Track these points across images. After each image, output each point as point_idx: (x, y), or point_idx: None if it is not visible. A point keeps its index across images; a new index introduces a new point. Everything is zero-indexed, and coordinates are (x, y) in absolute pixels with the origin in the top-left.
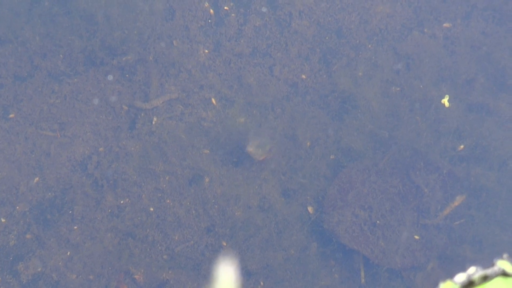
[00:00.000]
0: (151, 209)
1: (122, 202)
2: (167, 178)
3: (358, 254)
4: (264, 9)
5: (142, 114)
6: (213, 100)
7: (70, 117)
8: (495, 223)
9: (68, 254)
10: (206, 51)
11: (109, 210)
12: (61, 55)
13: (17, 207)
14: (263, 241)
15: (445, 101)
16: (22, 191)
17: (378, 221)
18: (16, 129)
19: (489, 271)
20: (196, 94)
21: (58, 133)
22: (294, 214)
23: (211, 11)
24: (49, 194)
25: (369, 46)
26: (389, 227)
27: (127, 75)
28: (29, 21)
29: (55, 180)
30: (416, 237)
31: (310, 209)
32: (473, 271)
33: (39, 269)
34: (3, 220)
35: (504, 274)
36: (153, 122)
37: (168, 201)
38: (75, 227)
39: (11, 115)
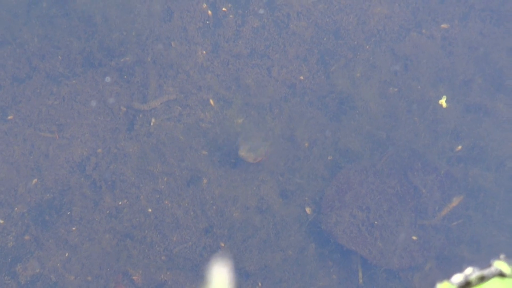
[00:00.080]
0: (149, 210)
1: (120, 203)
2: (165, 179)
3: (356, 254)
4: (261, 11)
5: (140, 115)
6: (211, 101)
7: (68, 118)
8: (493, 223)
9: (67, 255)
10: (204, 52)
11: (107, 211)
12: (59, 57)
13: (16, 208)
14: (261, 242)
15: (443, 102)
16: (20, 193)
17: (376, 222)
18: (15, 130)
19: (486, 272)
20: (194, 95)
21: (56, 134)
22: (292, 215)
23: (209, 12)
24: (48, 195)
25: (367, 47)
26: (387, 227)
27: (125, 77)
28: (27, 23)
29: (54, 181)
30: (414, 237)
31: (308, 210)
32: (470, 272)
33: (38, 270)
34: (1, 221)
35: (501, 274)
36: (151, 123)
37: (166, 202)
38: (74, 228)
39: (10, 117)
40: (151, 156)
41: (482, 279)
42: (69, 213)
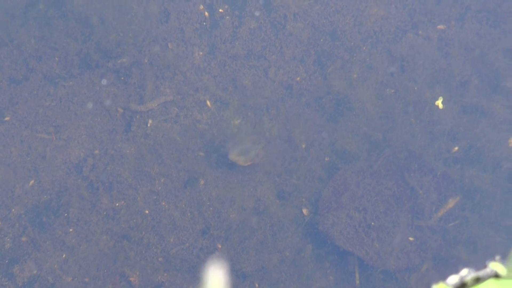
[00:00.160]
0: (147, 211)
1: (117, 204)
2: (162, 180)
3: (352, 255)
4: (257, 13)
5: (137, 117)
6: (208, 103)
7: (65, 119)
8: (489, 224)
9: (64, 256)
10: (201, 53)
11: (105, 213)
12: (56, 58)
13: (13, 210)
14: (258, 243)
15: (439, 103)
16: (17, 194)
17: (372, 223)
18: (12, 132)
19: (481, 273)
20: (191, 97)
21: (53, 135)
22: (289, 216)
23: (206, 13)
24: (45, 196)
25: (364, 48)
26: (384, 228)
27: (122, 78)
28: (24, 24)
29: (51, 182)
30: (411, 238)
31: (305, 211)
32: (466, 273)
33: (35, 272)
34: None
35: (496, 276)
36: (148, 125)
37: (163, 203)
38: (71, 230)
39: (7, 118)
40: (148, 157)
41: (477, 280)
42: (66, 214)
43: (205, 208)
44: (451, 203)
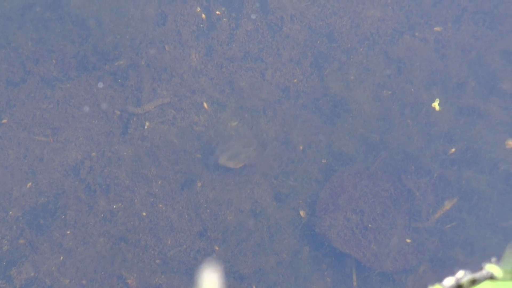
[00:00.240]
0: (144, 213)
1: (114, 206)
2: (159, 182)
3: (350, 257)
4: (253, 16)
5: (135, 119)
6: (205, 105)
7: (62, 122)
8: (486, 226)
9: (61, 259)
10: (198, 55)
11: (102, 215)
12: (53, 61)
13: (10, 212)
14: (255, 245)
15: (436, 104)
16: (15, 196)
17: (369, 225)
18: (9, 134)
19: (477, 275)
20: (188, 99)
21: (50, 138)
22: (286, 218)
23: (203, 15)
24: (42, 199)
25: (361, 50)
26: (381, 230)
27: (119, 80)
28: (22, 27)
29: (48, 185)
30: (408, 240)
31: (302, 213)
32: (462, 275)
33: (32, 274)
34: None
35: (492, 278)
36: (145, 127)
37: (160, 205)
38: (68, 232)
39: (4, 121)
40: (145, 159)
41: (473, 282)
42: (63, 216)
43: (202, 210)
44: (448, 205)
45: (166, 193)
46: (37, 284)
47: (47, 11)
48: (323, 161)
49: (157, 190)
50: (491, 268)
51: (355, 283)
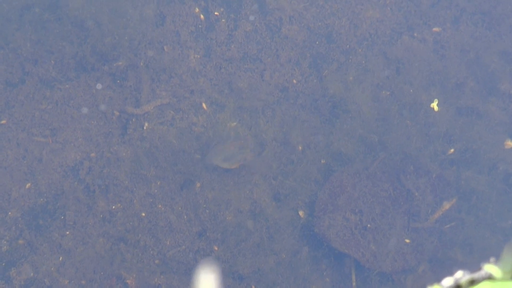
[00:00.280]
0: (143, 214)
1: (114, 207)
2: (158, 183)
3: (349, 257)
4: (251, 18)
5: (133, 120)
6: (204, 105)
7: (61, 123)
8: (486, 226)
9: (60, 259)
10: (197, 56)
11: (101, 215)
12: (52, 61)
13: (9, 213)
14: (254, 245)
15: (434, 105)
16: (14, 197)
17: (369, 225)
18: (8, 135)
19: (476, 275)
20: (187, 99)
21: (49, 139)
22: (285, 218)
23: (202, 16)
24: (41, 199)
25: (359, 50)
26: (380, 230)
27: (118, 81)
28: (20, 28)
29: (47, 185)
30: (407, 240)
31: (301, 213)
32: (460, 275)
33: (32, 275)
34: None
35: (491, 278)
36: (144, 128)
37: (159, 206)
38: (67, 233)
39: (3, 121)
40: (144, 160)
41: (472, 282)
42: (62, 217)
43: (201, 210)
44: (447, 205)
45: (165, 193)
46: (36, 285)
47: (45, 12)
48: (322, 161)
49: (156, 190)
50: (489, 268)
51: (354, 283)
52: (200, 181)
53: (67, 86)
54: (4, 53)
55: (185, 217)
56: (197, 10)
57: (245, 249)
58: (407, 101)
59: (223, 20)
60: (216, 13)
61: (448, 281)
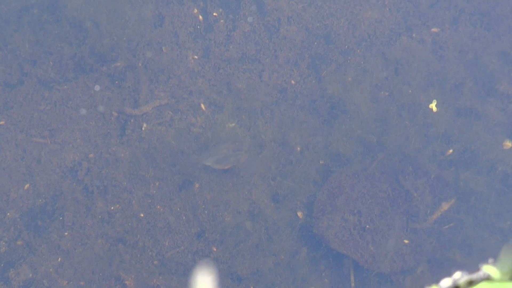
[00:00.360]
0: (141, 215)
1: (112, 208)
2: (157, 184)
3: (347, 258)
4: (249, 19)
5: (132, 121)
6: (203, 106)
7: (60, 123)
8: (484, 227)
9: (59, 260)
10: (196, 57)
11: (100, 216)
12: (51, 62)
13: (8, 214)
14: (253, 246)
15: (433, 106)
16: (12, 198)
17: (367, 226)
18: (7, 136)
19: (474, 276)
20: (186, 100)
21: (48, 139)
22: (284, 219)
23: (200, 17)
24: (40, 200)
25: (358, 51)
26: (379, 231)
27: (116, 82)
28: (19, 29)
29: (46, 186)
30: (406, 241)
31: (299, 214)
32: (459, 276)
33: (30, 276)
34: None
35: (489, 279)
36: (143, 128)
37: (158, 207)
38: (66, 233)
39: (1, 122)
40: (142, 161)
41: (470, 283)
42: (61, 218)
43: (200, 211)
44: (445, 205)
45: (164, 194)
46: (35, 286)
47: (44, 13)
48: (320, 162)
49: (154, 191)
50: (488, 269)
51: (353, 284)
52: (198, 182)
53: (65, 87)
54: (3, 54)
55: (183, 218)
56: (195, 11)
57: (244, 250)
58: (406, 102)
59: (221, 21)
60: (214, 14)
61: (446, 282)
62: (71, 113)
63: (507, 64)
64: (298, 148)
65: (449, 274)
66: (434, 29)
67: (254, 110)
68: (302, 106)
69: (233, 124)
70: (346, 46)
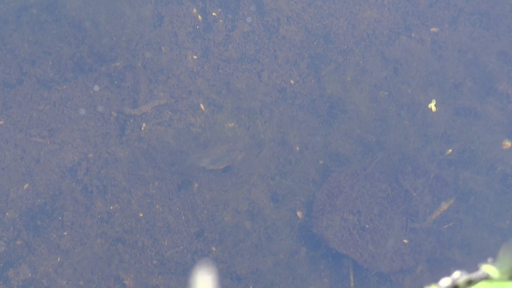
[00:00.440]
0: (141, 214)
1: (111, 208)
2: (156, 183)
3: (347, 258)
4: (249, 19)
5: (131, 120)
6: (202, 106)
7: (59, 123)
8: (484, 226)
9: (58, 260)
10: (195, 57)
11: (99, 216)
12: (50, 62)
13: (7, 214)
14: (252, 246)
15: (432, 105)
16: (12, 198)
17: (367, 225)
18: (6, 136)
19: (473, 276)
20: (185, 100)
21: (47, 139)
22: (283, 219)
23: (199, 17)
24: (39, 200)
25: (357, 51)
26: (378, 231)
27: (116, 82)
28: (18, 29)
29: (45, 186)
30: (405, 241)
31: (299, 213)
32: (458, 276)
33: (30, 275)
34: None
35: (488, 278)
36: (142, 128)
37: (157, 206)
38: (65, 233)
39: (1, 122)
40: (142, 160)
41: (469, 282)
42: (60, 218)
43: (199, 211)
44: (445, 205)
45: (163, 194)
46: (34, 285)
47: (43, 13)
48: (320, 162)
49: (154, 191)
50: (487, 268)
51: (352, 284)
52: (198, 181)
53: (64, 87)
54: (2, 54)
55: (183, 217)
56: (194, 11)
57: (243, 249)
58: (405, 102)
59: (220, 21)
60: (213, 13)
61: (445, 281)
62: (70, 113)
63: (506, 64)
64: (297, 148)
65: (448, 273)
66: (433, 29)
67: (254, 110)
68: (301, 106)
69: (233, 124)
70: (345, 46)
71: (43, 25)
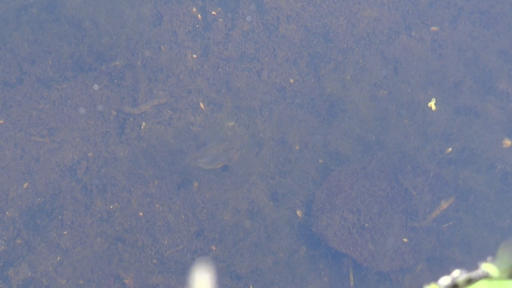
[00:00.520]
0: (141, 214)
1: (111, 207)
2: (156, 182)
3: (346, 257)
4: (248, 18)
5: (131, 119)
6: (201, 105)
7: (59, 122)
8: (484, 225)
9: (58, 259)
10: (194, 56)
11: (99, 215)
12: (49, 61)
13: (7, 213)
14: (252, 245)
15: (432, 104)
16: (11, 197)
17: (366, 224)
18: (5, 135)
19: (473, 274)
20: (185, 99)
21: (47, 138)
22: (283, 218)
23: (199, 16)
24: (39, 199)
25: (357, 50)
26: (378, 230)
27: (115, 81)
28: (17, 28)
29: (45, 185)
30: (405, 239)
31: (298, 212)
32: (458, 274)
33: (29, 274)
34: None
35: (488, 277)
36: (142, 127)
37: (157, 205)
38: (65, 232)
39: (0, 121)
40: (141, 159)
41: (469, 281)
42: (60, 217)
43: (199, 210)
44: (444, 204)
45: (163, 193)
46: (34, 284)
47: (43, 13)
48: (319, 161)
49: (153, 190)
50: (486, 267)
51: (352, 283)
52: (197, 180)
53: (64, 86)
54: (2, 53)
55: (182, 216)
56: (194, 9)
57: (243, 248)
58: (405, 101)
59: (220, 20)
60: (213, 12)
61: (445, 280)
62: (70, 112)
63: (506, 63)
64: (297, 147)
65: (448, 272)
66: (433, 28)
67: (253, 108)
68: (301, 104)
69: (232, 123)
70: (345, 45)
71: (43, 24)
